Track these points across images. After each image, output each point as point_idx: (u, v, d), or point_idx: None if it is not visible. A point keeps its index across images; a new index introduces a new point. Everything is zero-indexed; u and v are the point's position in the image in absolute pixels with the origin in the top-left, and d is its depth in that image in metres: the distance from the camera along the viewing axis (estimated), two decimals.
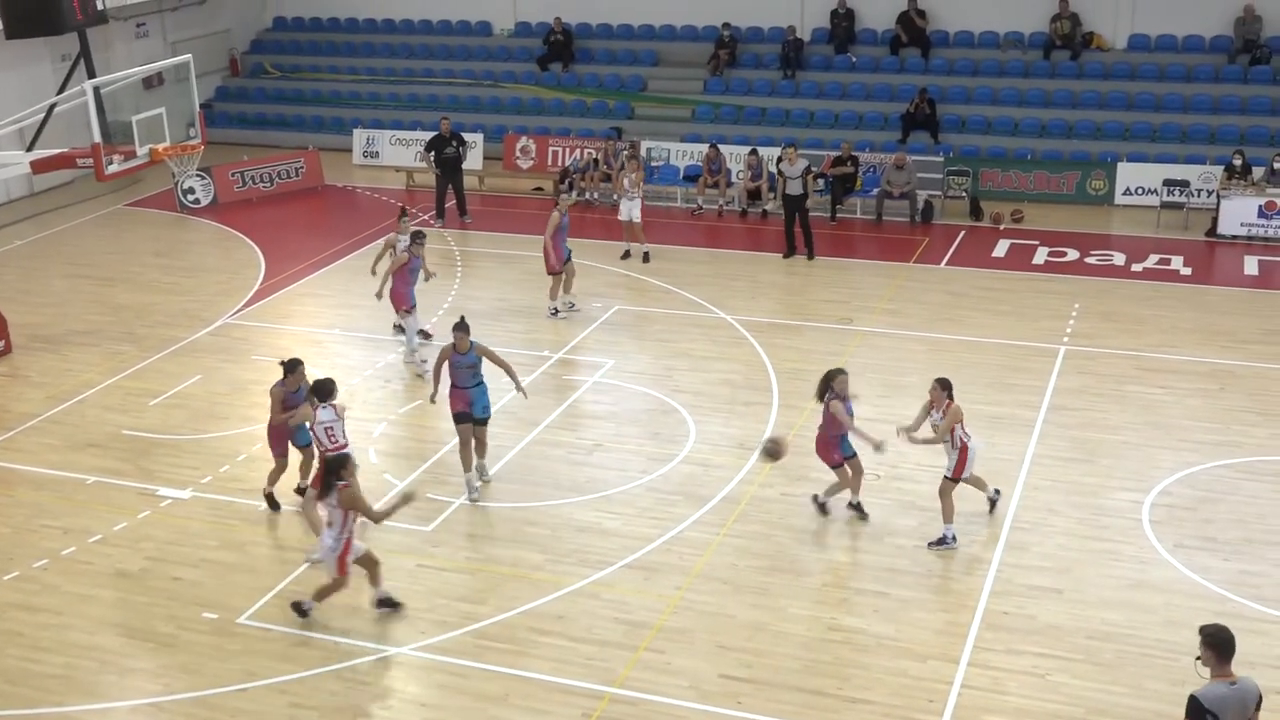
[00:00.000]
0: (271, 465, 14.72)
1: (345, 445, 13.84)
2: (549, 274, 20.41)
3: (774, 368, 18.45)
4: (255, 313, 21.14)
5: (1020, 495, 14.84)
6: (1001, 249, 23.60)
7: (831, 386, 14.04)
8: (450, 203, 25.91)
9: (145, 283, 22.82)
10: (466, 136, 27.03)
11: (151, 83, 22.26)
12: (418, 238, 18.63)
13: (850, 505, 14.39)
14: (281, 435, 14.39)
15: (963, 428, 13.69)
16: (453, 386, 14.96)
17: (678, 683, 11.75)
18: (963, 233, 24.61)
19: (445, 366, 14.96)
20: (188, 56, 20.41)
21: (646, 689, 11.67)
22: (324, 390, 13.84)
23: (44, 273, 23.61)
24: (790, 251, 23.19)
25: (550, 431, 16.71)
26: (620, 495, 15.08)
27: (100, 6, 21.41)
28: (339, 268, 23.25)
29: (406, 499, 12.71)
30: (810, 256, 22.97)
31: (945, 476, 13.82)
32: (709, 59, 30.30)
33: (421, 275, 18.95)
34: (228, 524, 14.70)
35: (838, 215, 25.38)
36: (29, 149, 20.20)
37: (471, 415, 14.89)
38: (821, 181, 25.14)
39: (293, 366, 14.30)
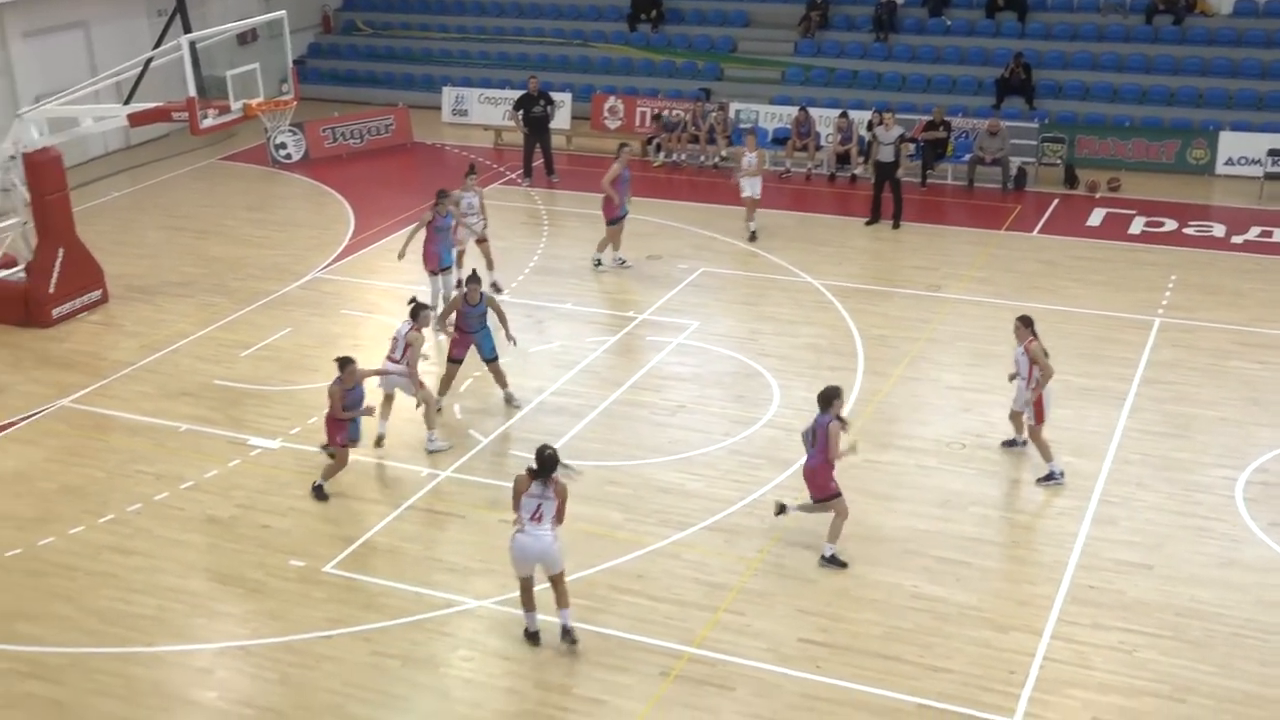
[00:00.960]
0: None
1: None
2: (607, 223, 20.55)
3: (860, 333, 18.29)
4: (344, 267, 21.37)
5: (1110, 468, 14.60)
6: (1097, 218, 23.16)
7: (832, 406, 12.96)
8: (538, 161, 25.94)
9: (238, 236, 23.13)
10: (555, 95, 27.01)
11: (246, 39, 22.56)
12: (442, 196, 18.73)
13: (824, 559, 12.98)
14: (342, 429, 14.35)
15: (1048, 367, 14.10)
16: (459, 332, 16.01)
17: (756, 645, 11.75)
18: (1056, 201, 24.17)
19: (454, 315, 16.13)
20: (282, 13, 20.56)
21: (725, 650, 11.68)
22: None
23: (140, 224, 24.02)
24: (875, 219, 22.93)
25: (634, 392, 16.73)
26: (702, 457, 15.07)
27: None
28: None
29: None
30: (896, 225, 22.69)
31: (1029, 424, 14.20)
32: (800, 20, 29.97)
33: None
34: (315, 475, 14.89)
35: (928, 181, 25.05)
36: (126, 103, 20.50)
37: (482, 356, 16.17)
38: (913, 147, 24.80)
39: (345, 364, 14.11)
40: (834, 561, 12.93)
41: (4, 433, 16.06)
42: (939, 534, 13.47)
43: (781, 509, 13.45)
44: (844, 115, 25.71)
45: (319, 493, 14.35)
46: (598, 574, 12.84)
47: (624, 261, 20.73)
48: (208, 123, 19.00)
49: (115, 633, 12.16)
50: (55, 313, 19.30)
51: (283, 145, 27.61)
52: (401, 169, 27.38)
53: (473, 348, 16.08)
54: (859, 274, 20.70)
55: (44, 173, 19.24)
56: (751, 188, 21.82)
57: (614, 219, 20.45)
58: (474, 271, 16.09)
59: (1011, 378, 14.62)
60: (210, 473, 14.98)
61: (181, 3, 21.36)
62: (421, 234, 18.63)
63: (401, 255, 18.80)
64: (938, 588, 12.53)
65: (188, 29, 20.48)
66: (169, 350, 18.30)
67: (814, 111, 26.28)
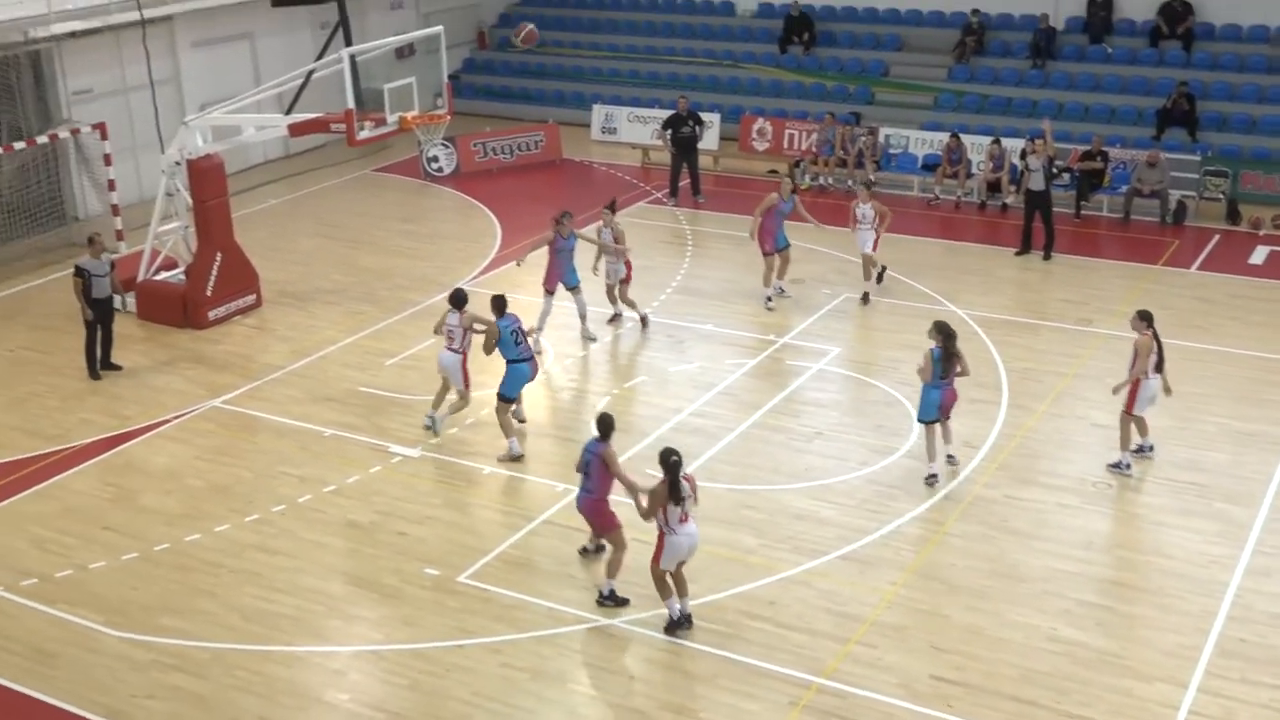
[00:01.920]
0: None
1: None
2: (763, 255, 20.33)
3: (1004, 366, 17.92)
4: (490, 281, 21.64)
5: (1266, 517, 14.05)
6: (1260, 256, 22.36)
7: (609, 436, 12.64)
8: (684, 181, 25.99)
9: (388, 246, 23.61)
10: (704, 116, 27.05)
11: (403, 53, 23.02)
12: (564, 217, 18.57)
13: (600, 599, 12.70)
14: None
15: (1148, 363, 14.52)
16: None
17: (887, 679, 11.56)
18: (1217, 237, 23.40)
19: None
20: (439, 28, 20.96)
21: (855, 683, 11.52)
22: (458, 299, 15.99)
23: (294, 232, 24.67)
24: (1025, 249, 22.46)
25: (771, 416, 16.63)
26: (839, 485, 14.91)
27: None
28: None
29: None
30: (1047, 256, 22.18)
31: (1121, 410, 14.49)
32: (955, 45, 29.55)
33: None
34: (453, 485, 15.12)
35: (1082, 212, 24.45)
36: (287, 113, 21.15)
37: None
38: (1067, 176, 24.25)
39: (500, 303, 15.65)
40: (612, 599, 12.61)
41: (157, 430, 16.60)
42: (1080, 576, 13.10)
43: (586, 552, 13.51)
44: (996, 142, 25.27)
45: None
46: (729, 599, 12.76)
47: (782, 290, 20.49)
48: (364, 134, 19.44)
49: (256, 630, 12.46)
50: (211, 315, 19.91)
51: (435, 158, 28.12)
52: (549, 185, 27.67)
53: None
54: (1006, 305, 20.29)
55: (206, 179, 19.89)
56: (865, 243, 20.43)
57: (768, 251, 20.20)
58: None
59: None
60: (352, 478, 15.28)
61: (344, 17, 21.97)
62: (545, 252, 18.69)
63: (519, 263, 19.33)
64: (1077, 631, 12.18)
65: (349, 42, 21.09)
66: (318, 356, 18.73)
67: (966, 138, 25.88)
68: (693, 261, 22.48)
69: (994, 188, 25.21)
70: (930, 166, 26.18)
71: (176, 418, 16.93)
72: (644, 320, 19.41)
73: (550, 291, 18.71)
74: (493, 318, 15.54)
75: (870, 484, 14.92)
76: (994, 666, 11.71)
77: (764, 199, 20.21)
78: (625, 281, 19.27)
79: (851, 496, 14.64)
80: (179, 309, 19.94)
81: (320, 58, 21.80)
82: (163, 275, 20.61)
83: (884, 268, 20.89)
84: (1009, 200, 24.80)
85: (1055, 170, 22.34)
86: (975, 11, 29.40)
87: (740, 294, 20.63)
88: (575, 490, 14.46)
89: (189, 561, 13.64)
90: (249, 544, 13.97)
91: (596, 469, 12.52)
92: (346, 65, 19.19)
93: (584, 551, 13.52)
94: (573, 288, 18.81)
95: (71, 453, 16.10)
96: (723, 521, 14.16)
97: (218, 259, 20.00)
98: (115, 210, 23.48)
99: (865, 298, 20.33)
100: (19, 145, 22.56)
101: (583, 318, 19.03)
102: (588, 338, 18.93)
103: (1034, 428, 16.16)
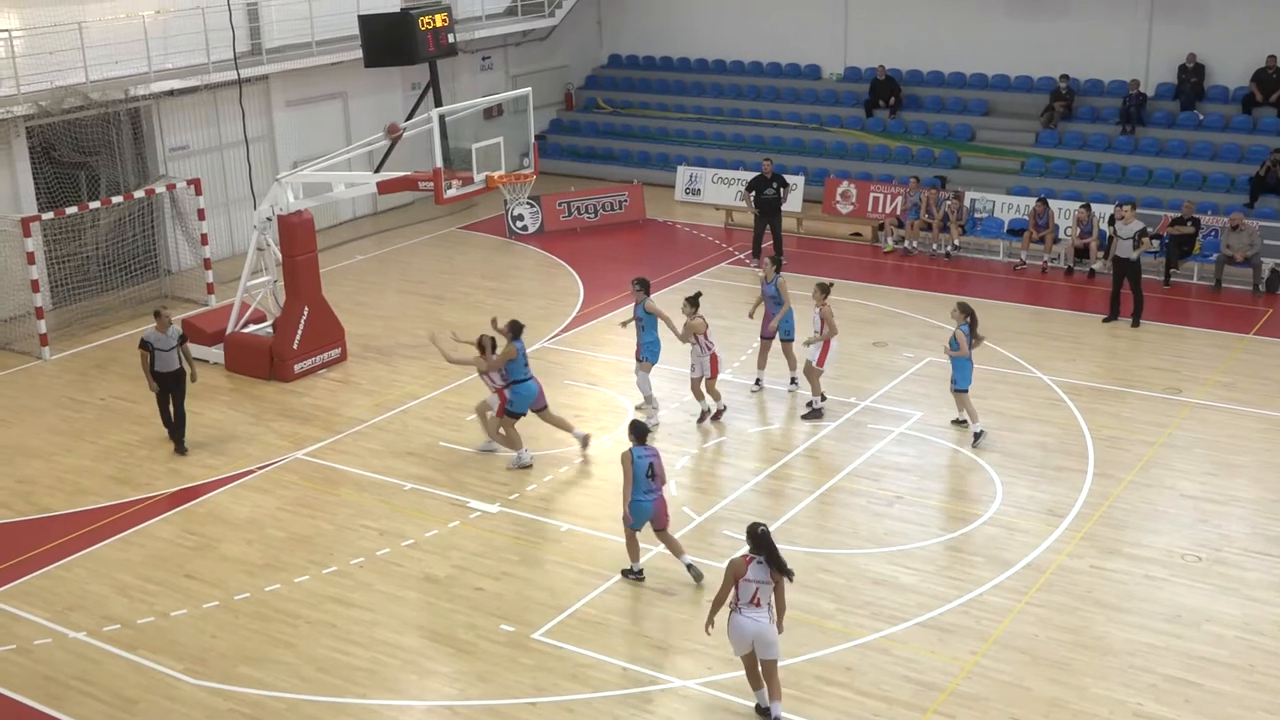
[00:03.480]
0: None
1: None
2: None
3: (1091, 434, 17.63)
4: (571, 339, 21.76)
5: None
6: None
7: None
8: (767, 243, 26.01)
9: (471, 302, 23.84)
10: (788, 178, 27.10)
11: (491, 113, 23.32)
12: (636, 286, 18.34)
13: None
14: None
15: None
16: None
17: None
18: None
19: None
20: (527, 90, 21.26)
21: None
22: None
23: (380, 287, 25.01)
24: (1113, 315, 22.14)
25: (851, 479, 16.48)
26: (919, 551, 14.70)
27: (451, 40, 22.59)
28: (654, 300, 23.59)
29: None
30: (1135, 323, 21.84)
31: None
32: (1043, 110, 29.39)
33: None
34: (531, 541, 15.13)
35: (1172, 279, 24.09)
36: (376, 171, 21.45)
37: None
38: (1157, 243, 23.91)
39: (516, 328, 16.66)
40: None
41: (241, 480, 16.82)
42: (1167, 650, 12.76)
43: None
44: (1085, 208, 25.01)
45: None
46: (805, 663, 12.60)
47: (793, 381, 19.35)
48: (451, 193, 19.72)
49: (331, 682, 12.52)
50: (297, 368, 20.21)
51: (520, 217, 28.43)
52: (632, 245, 27.83)
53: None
54: (1094, 372, 19.98)
55: (296, 234, 20.26)
56: (811, 351, 18.39)
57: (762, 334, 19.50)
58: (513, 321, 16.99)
59: None
60: (430, 532, 15.35)
61: (435, 78, 22.30)
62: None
63: (625, 324, 19.07)
64: (1165, 708, 11.86)
65: (439, 103, 21.35)
66: (399, 410, 18.90)
67: (1053, 203, 25.65)
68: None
69: (1081, 253, 24.92)
70: (1016, 231, 25.97)
71: (260, 468, 17.15)
72: (718, 414, 18.25)
73: (639, 359, 18.34)
74: (506, 340, 16.72)
75: (951, 550, 14.70)
76: None
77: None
78: (712, 377, 18.08)
79: (931, 563, 14.43)
80: (266, 362, 20.27)
81: (410, 117, 22.17)
82: (251, 328, 20.97)
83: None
84: (1097, 266, 24.50)
85: (1145, 236, 22.04)
86: (1064, 77, 29.25)
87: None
88: (651, 550, 14.45)
89: (268, 611, 13.76)
90: (327, 595, 14.06)
91: (659, 469, 13.70)
92: (435, 125, 19.50)
93: (634, 574, 14.13)
94: (643, 361, 18.26)
95: (157, 501, 16.37)
96: (800, 585, 13.93)
97: (305, 313, 20.33)
98: (207, 264, 24.00)
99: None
100: (117, 199, 23.18)
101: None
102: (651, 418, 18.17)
103: (1120, 497, 15.85)
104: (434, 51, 21.99)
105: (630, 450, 13.73)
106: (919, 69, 31.81)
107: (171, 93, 24.99)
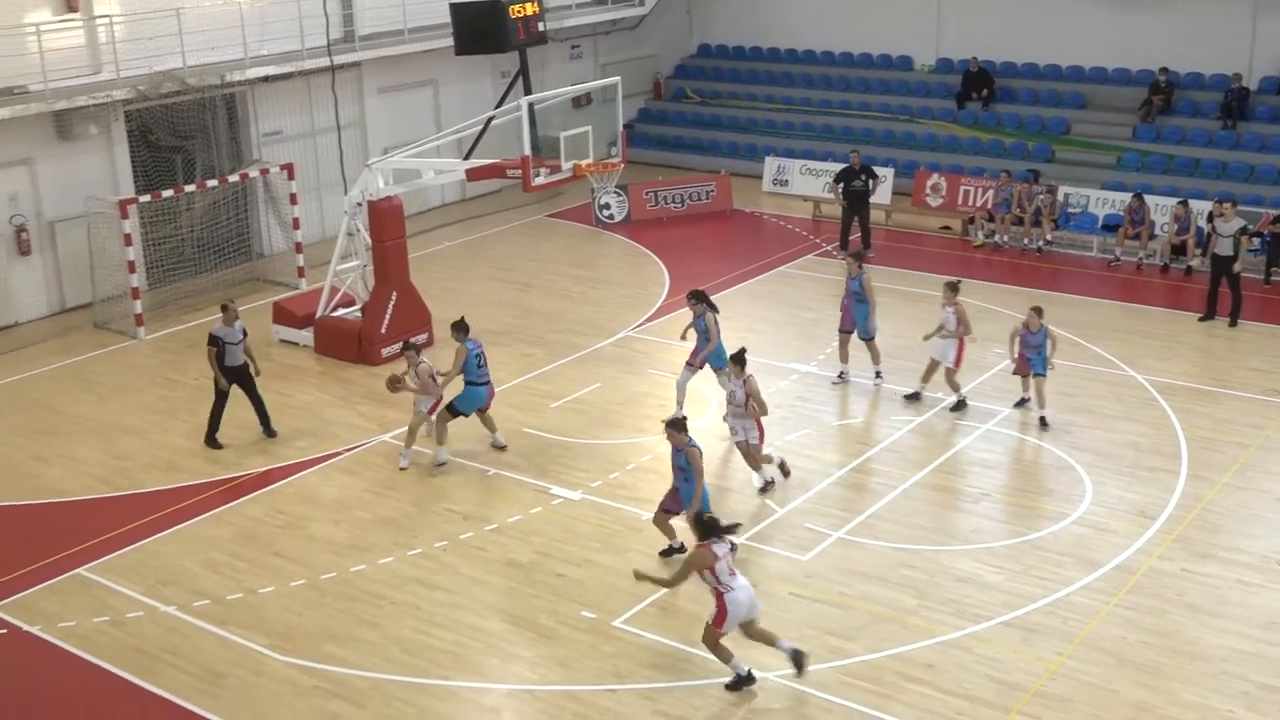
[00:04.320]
0: None
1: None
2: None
3: (1185, 434, 17.27)
4: (655, 328, 21.75)
5: None
6: None
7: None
8: (854, 235, 25.80)
9: (557, 290, 23.93)
10: (877, 170, 26.85)
11: (580, 102, 23.43)
12: (693, 299, 17.64)
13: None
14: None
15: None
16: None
17: None
18: None
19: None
20: (616, 79, 21.27)
21: None
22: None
23: (468, 274, 25.19)
24: (1209, 314, 21.67)
25: (937, 475, 16.30)
26: (1005, 549, 14.51)
27: (541, 28, 22.76)
28: (740, 291, 23.59)
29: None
30: (1233, 323, 21.36)
31: None
32: (1141, 104, 28.82)
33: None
34: (612, 529, 15.16)
35: (1272, 278, 23.52)
36: (466, 158, 21.63)
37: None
38: (1257, 241, 23.35)
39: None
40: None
41: (329, 462, 17.03)
42: (1261, 657, 12.47)
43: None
44: (1182, 204, 24.49)
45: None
46: (886, 659, 12.50)
47: (879, 375, 19.02)
48: (539, 181, 19.79)
49: (414, 663, 12.64)
50: (384, 352, 20.41)
51: (607, 206, 28.47)
52: (718, 235, 27.76)
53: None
54: (1188, 372, 19.57)
55: (385, 220, 20.46)
56: (941, 351, 18.08)
57: (841, 328, 19.29)
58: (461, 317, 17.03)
59: None
60: (514, 517, 15.44)
61: (524, 66, 22.47)
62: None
63: (684, 336, 18.18)
64: (1258, 716, 11.59)
65: (528, 91, 21.53)
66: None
67: (1150, 199, 25.15)
68: None
69: (1178, 250, 24.42)
70: (1111, 227, 25.51)
71: (347, 450, 17.36)
72: (766, 485, 15.99)
73: (690, 364, 17.85)
74: (458, 341, 16.59)
75: (1037, 549, 14.48)
76: None
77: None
78: (759, 444, 15.87)
79: (1017, 561, 14.23)
80: (354, 345, 20.50)
81: (500, 105, 22.34)
82: (340, 312, 21.21)
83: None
84: (1194, 264, 24.00)
85: (1245, 234, 21.55)
86: (1163, 70, 28.66)
87: (907, 350, 20.28)
88: (733, 540, 14.43)
89: (353, 591, 13.93)
90: (411, 577, 14.20)
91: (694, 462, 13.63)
92: (525, 113, 19.59)
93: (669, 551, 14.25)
94: (706, 366, 17.86)
95: (247, 480, 16.64)
96: (883, 580, 13.89)
97: (393, 298, 20.52)
98: (298, 248, 24.33)
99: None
100: (211, 183, 23.57)
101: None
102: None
103: (1214, 500, 15.52)
104: (524, 40, 22.20)
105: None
106: (1013, 60, 31.32)
107: (266, 79, 25.35)
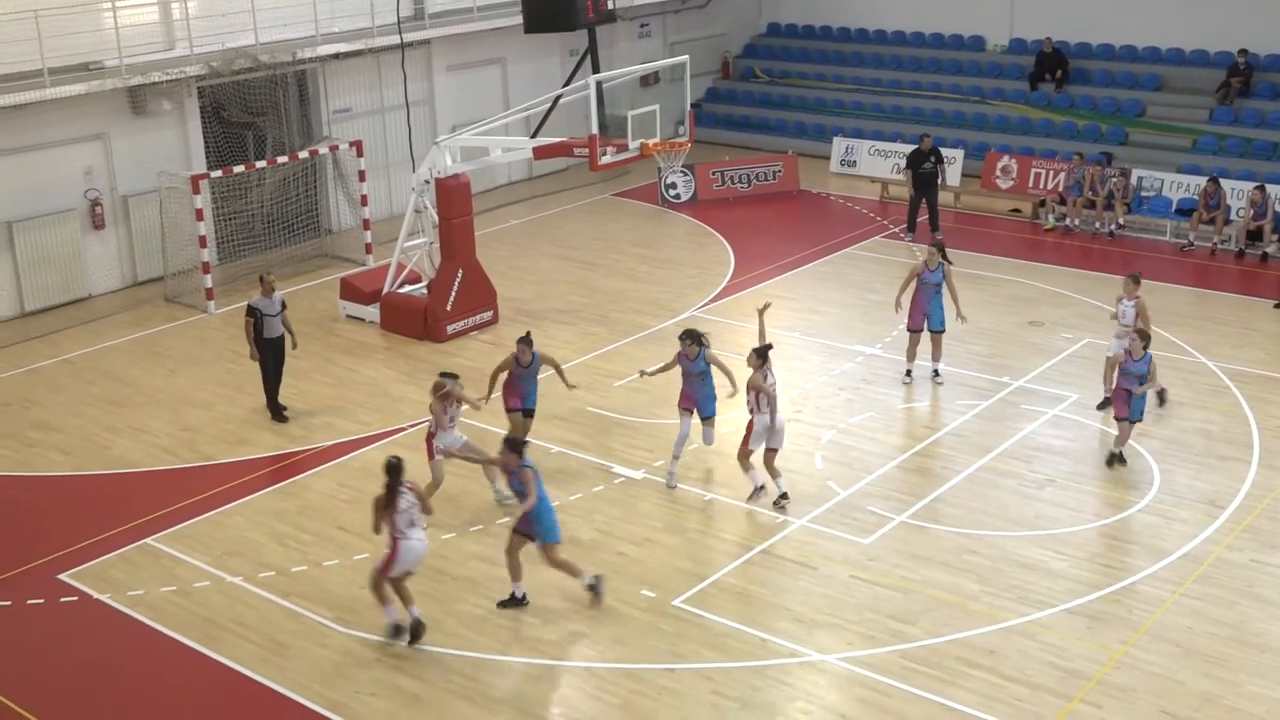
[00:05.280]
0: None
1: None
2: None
3: (1257, 423, 16.97)
4: (720, 308, 21.69)
5: None
6: None
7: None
8: (923, 217, 25.56)
9: (622, 269, 23.92)
10: (946, 152, 26.54)
11: (648, 80, 23.33)
12: (687, 339, 15.49)
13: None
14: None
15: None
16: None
17: None
18: None
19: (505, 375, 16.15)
20: (685, 57, 21.16)
21: None
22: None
23: (533, 252, 25.25)
24: None
25: (1002, 460, 16.14)
26: (1070, 536, 14.34)
27: (610, 6, 22.64)
28: (805, 272, 23.46)
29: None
30: None
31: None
32: (1219, 86, 28.26)
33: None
34: (674, 509, 15.16)
35: None
36: (533, 136, 21.63)
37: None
38: None
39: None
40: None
41: (393, 438, 17.17)
42: None
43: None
44: (1260, 189, 24.01)
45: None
46: (947, 644, 12.42)
47: (936, 374, 18.40)
48: (606, 159, 19.77)
49: (474, 638, 12.73)
50: (450, 329, 20.53)
51: (673, 185, 28.41)
52: (785, 216, 27.61)
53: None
54: (1262, 359, 19.20)
55: (453, 197, 20.54)
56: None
57: (910, 327, 18.37)
58: (528, 333, 16.18)
59: None
60: (575, 495, 15.49)
61: (593, 44, 22.39)
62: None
63: (651, 374, 16.60)
64: None
65: (596, 69, 21.43)
66: (549, 374, 19.02)
67: (1225, 183, 24.69)
68: None
69: (1254, 236, 23.96)
70: (1185, 211, 25.07)
71: (411, 426, 17.48)
72: (779, 497, 15.10)
73: (683, 408, 15.85)
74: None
75: (1103, 537, 14.31)
76: None
77: (910, 268, 18.58)
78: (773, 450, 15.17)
79: (1082, 549, 14.07)
80: (420, 322, 20.63)
81: (568, 83, 22.28)
82: (406, 289, 21.35)
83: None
84: (1270, 249, 23.54)
85: None
86: (1243, 51, 28.07)
87: (974, 334, 20.10)
88: (795, 522, 14.42)
89: (422, 566, 14.01)
90: (472, 553, 14.30)
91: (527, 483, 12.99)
92: (593, 91, 19.56)
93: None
94: (697, 414, 15.78)
95: (312, 454, 16.82)
96: (945, 565, 13.79)
97: (459, 275, 20.62)
98: (366, 224, 24.51)
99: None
100: (282, 159, 23.79)
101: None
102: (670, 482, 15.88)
103: None
104: (593, 18, 22.08)
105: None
106: (1088, 41, 30.81)
107: (337, 56, 25.53)
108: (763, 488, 15.19)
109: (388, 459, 12.48)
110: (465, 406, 15.16)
